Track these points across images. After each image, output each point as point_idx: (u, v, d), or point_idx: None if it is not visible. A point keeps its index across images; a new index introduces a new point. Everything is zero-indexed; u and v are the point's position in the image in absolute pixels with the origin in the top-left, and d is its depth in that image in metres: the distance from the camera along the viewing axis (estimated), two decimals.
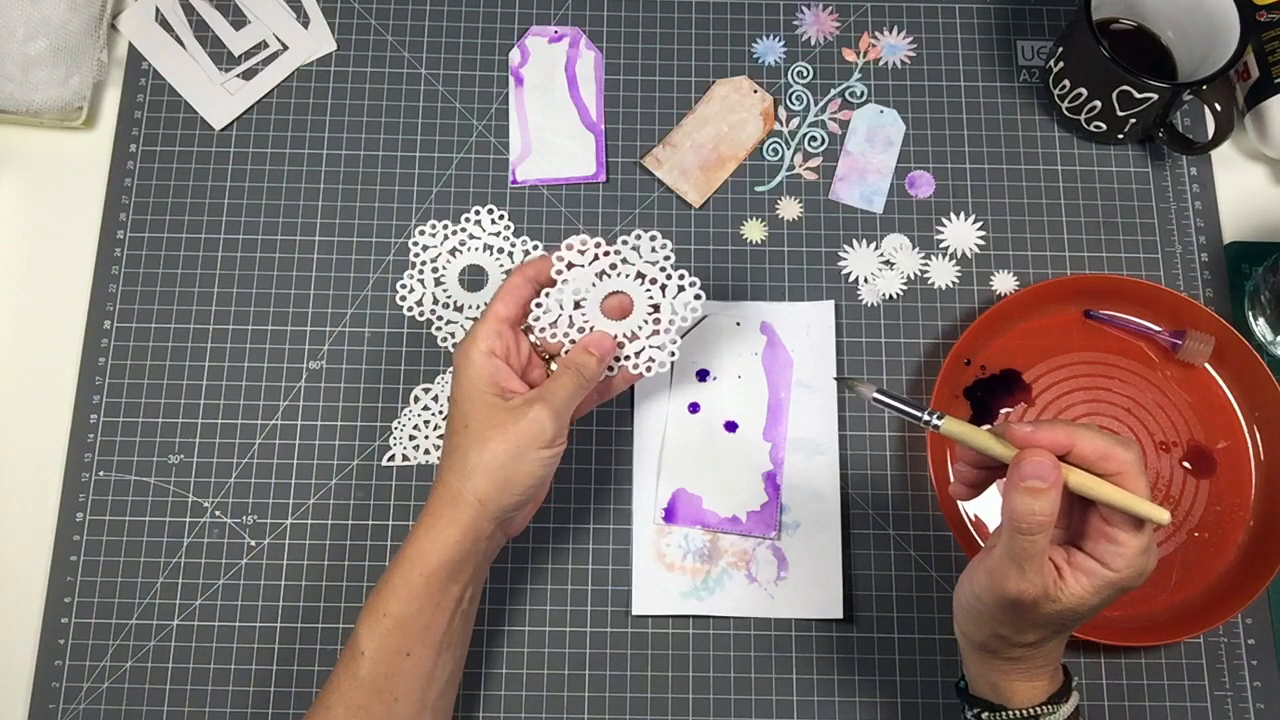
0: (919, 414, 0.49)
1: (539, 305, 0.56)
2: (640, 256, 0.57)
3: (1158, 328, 0.66)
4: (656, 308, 0.57)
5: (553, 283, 0.57)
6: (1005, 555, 0.45)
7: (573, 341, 0.56)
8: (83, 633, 0.62)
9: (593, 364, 0.55)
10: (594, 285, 0.57)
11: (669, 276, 0.57)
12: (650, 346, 0.57)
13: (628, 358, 0.57)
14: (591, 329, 0.56)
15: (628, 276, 0.57)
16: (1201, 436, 0.65)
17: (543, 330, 0.56)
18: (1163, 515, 0.44)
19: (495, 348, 0.54)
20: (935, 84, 0.73)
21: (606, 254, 0.57)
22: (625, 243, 0.57)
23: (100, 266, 0.68)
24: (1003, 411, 0.65)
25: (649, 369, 0.57)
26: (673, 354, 0.57)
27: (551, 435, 0.53)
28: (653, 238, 0.57)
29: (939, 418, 0.48)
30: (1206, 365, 0.66)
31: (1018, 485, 0.44)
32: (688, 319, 0.57)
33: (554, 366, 0.57)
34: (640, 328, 0.57)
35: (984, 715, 0.51)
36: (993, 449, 0.47)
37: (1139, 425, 0.65)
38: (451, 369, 0.55)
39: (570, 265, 0.57)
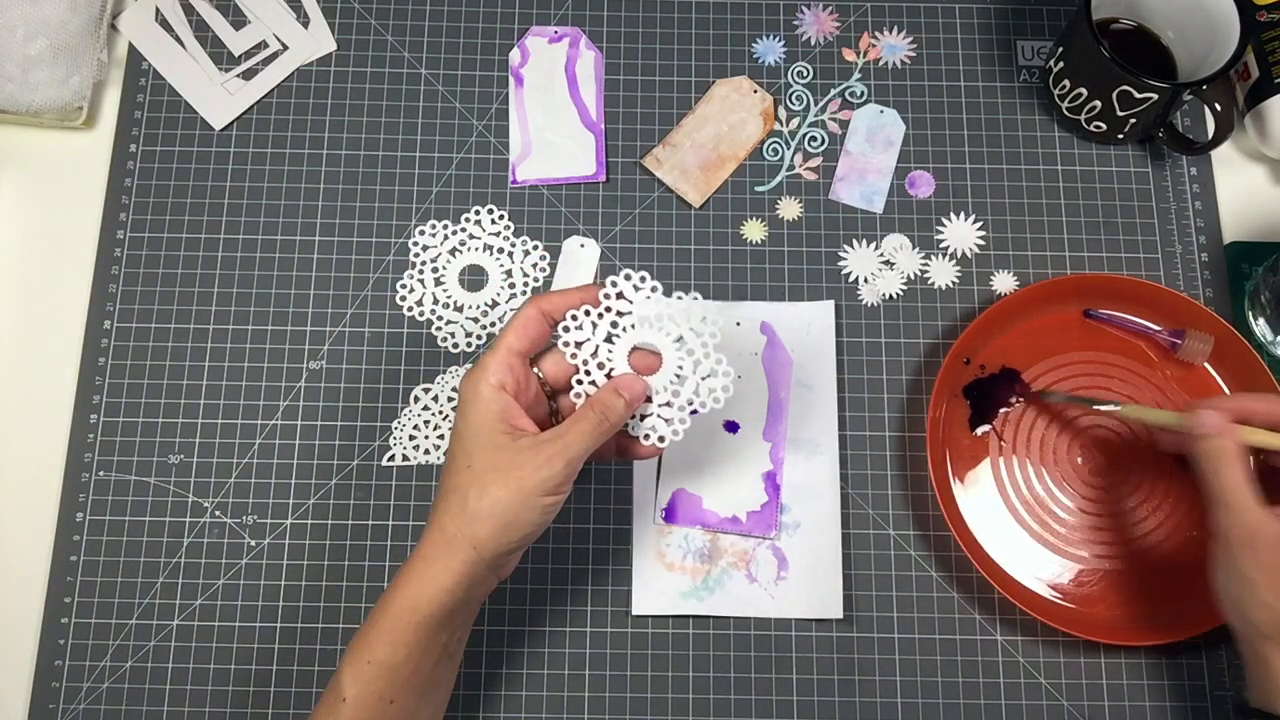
0: (1096, 405, 0.61)
1: (574, 318, 0.53)
2: (687, 322, 0.53)
3: (1157, 327, 0.66)
4: (677, 391, 0.53)
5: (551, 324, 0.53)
6: (1220, 511, 0.51)
7: (588, 373, 0.53)
8: (83, 633, 0.62)
9: (620, 408, 0.51)
10: (629, 329, 0.53)
11: (707, 355, 0.53)
12: (659, 416, 0.53)
13: (633, 418, 0.53)
14: (611, 372, 0.53)
15: (668, 335, 0.53)
16: None
17: (566, 345, 0.53)
18: None
19: (506, 382, 0.50)
20: (935, 84, 0.73)
21: (658, 303, 0.53)
22: (680, 298, 0.53)
23: (100, 266, 0.68)
24: (1001, 411, 0.65)
25: (661, 440, 0.53)
26: (676, 433, 0.53)
27: (559, 483, 0.49)
28: (703, 319, 0.53)
29: (1114, 406, 0.60)
30: (1206, 365, 0.66)
31: (1197, 436, 0.53)
32: (708, 406, 0.53)
33: (573, 401, 0.53)
34: (657, 393, 0.53)
35: None
36: (1167, 418, 0.56)
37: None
38: (457, 404, 0.52)
39: (620, 295, 0.53)
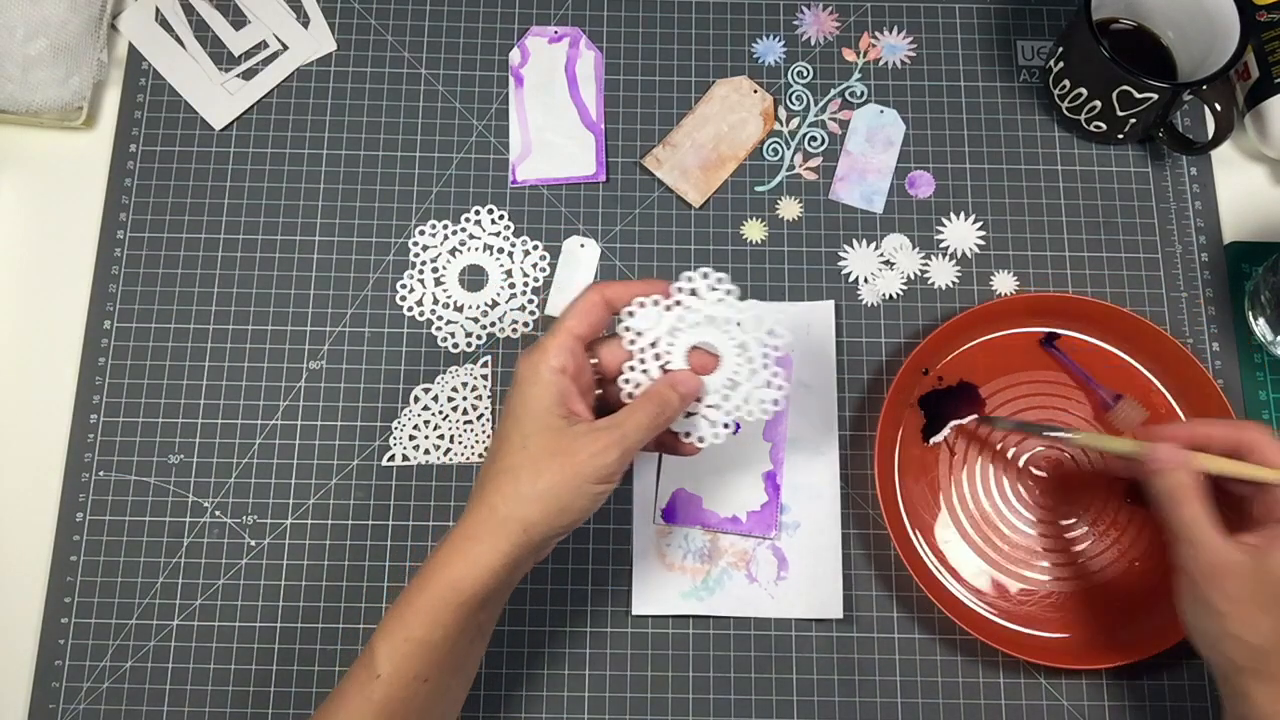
0: (1053, 434, 0.60)
1: (641, 305, 0.52)
2: (755, 331, 0.52)
3: (1099, 386, 0.65)
4: (728, 396, 0.53)
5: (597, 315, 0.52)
6: (1182, 545, 0.51)
7: (643, 363, 0.52)
8: (83, 633, 0.62)
9: (675, 402, 0.51)
10: (694, 326, 0.52)
11: (765, 366, 0.53)
12: (703, 417, 0.53)
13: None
14: (666, 365, 0.52)
15: (731, 339, 0.52)
16: None
17: (627, 331, 0.52)
18: (1273, 475, 0.51)
19: (566, 365, 0.49)
20: (935, 84, 0.73)
21: (730, 307, 0.53)
22: (747, 303, 0.53)
23: (100, 266, 0.68)
24: (952, 423, 0.65)
25: (700, 441, 0.53)
26: (717, 436, 0.53)
27: (614, 471, 0.49)
28: (770, 331, 0.52)
29: (1069, 434, 0.59)
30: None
31: (1153, 471, 0.52)
32: (754, 415, 0.53)
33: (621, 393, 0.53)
34: (708, 394, 0.53)
35: None
36: (1121, 445, 0.55)
37: (1092, 453, 0.65)
38: (513, 382, 0.51)
39: (693, 292, 0.52)
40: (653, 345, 0.52)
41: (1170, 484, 0.51)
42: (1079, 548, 0.64)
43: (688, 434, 0.53)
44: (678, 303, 0.52)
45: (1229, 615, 0.49)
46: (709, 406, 0.53)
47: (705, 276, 0.52)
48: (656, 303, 0.52)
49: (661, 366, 0.52)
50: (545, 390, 0.49)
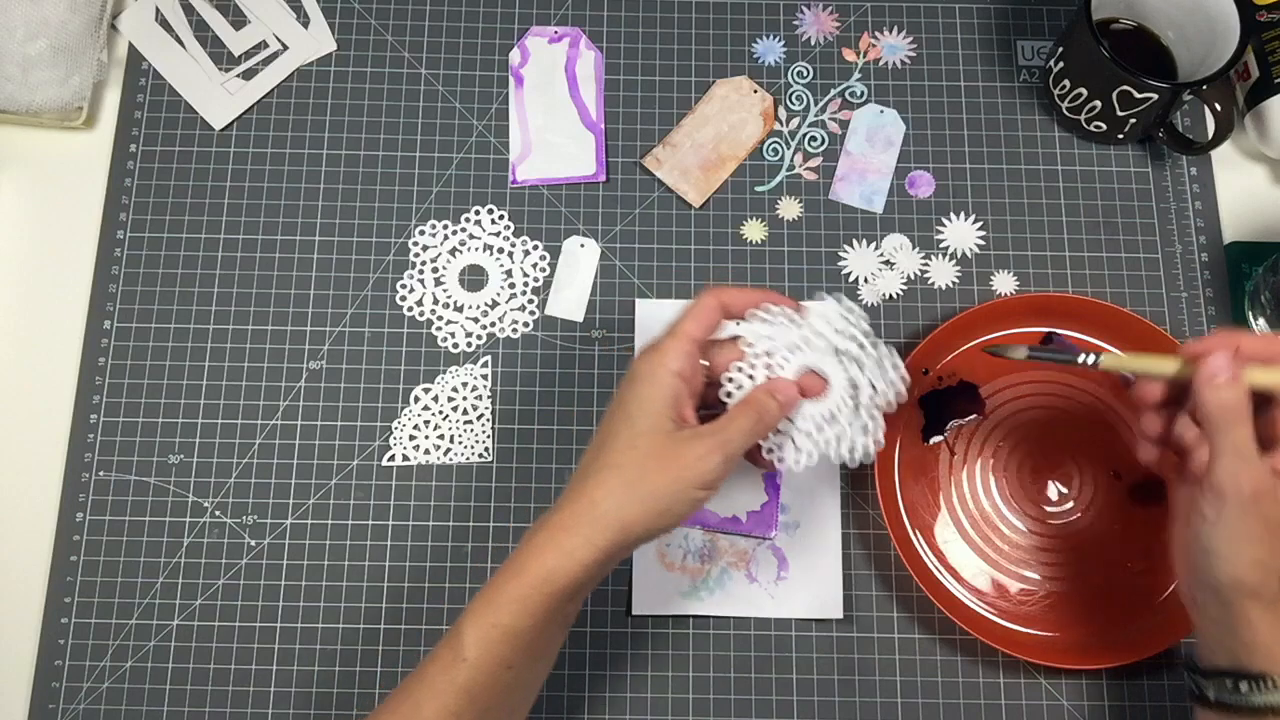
0: (1075, 359, 0.53)
1: (767, 314, 0.52)
2: (876, 372, 0.52)
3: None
4: (859, 402, 0.52)
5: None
6: (1229, 460, 0.48)
7: (751, 371, 0.52)
8: (83, 633, 0.62)
9: (774, 409, 0.51)
10: (816, 350, 0.52)
11: (872, 414, 0.52)
12: (792, 438, 0.53)
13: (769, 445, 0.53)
14: (774, 377, 0.52)
15: (846, 374, 0.52)
16: None
17: (745, 335, 0.52)
18: None
19: (684, 369, 0.50)
20: (935, 84, 0.73)
21: (860, 344, 0.52)
22: (876, 343, 0.52)
23: (100, 266, 0.68)
24: (953, 423, 0.65)
25: (781, 462, 0.53)
26: (798, 462, 0.52)
27: (717, 477, 0.49)
28: (895, 366, 0.52)
29: (1094, 358, 0.52)
30: None
31: (1208, 383, 0.48)
32: (841, 457, 0.52)
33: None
34: (805, 418, 0.53)
35: (1241, 686, 0.48)
36: (1163, 366, 0.51)
37: (1096, 451, 0.65)
38: (628, 379, 0.51)
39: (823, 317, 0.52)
40: (768, 355, 0.52)
41: (1226, 399, 0.48)
42: (1079, 547, 0.64)
43: (770, 450, 0.53)
44: (808, 322, 0.52)
45: (1258, 538, 0.48)
46: (803, 433, 0.53)
47: (840, 302, 0.52)
48: (788, 316, 0.52)
49: (768, 377, 0.52)
50: (661, 392, 0.49)
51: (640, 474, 0.48)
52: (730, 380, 0.52)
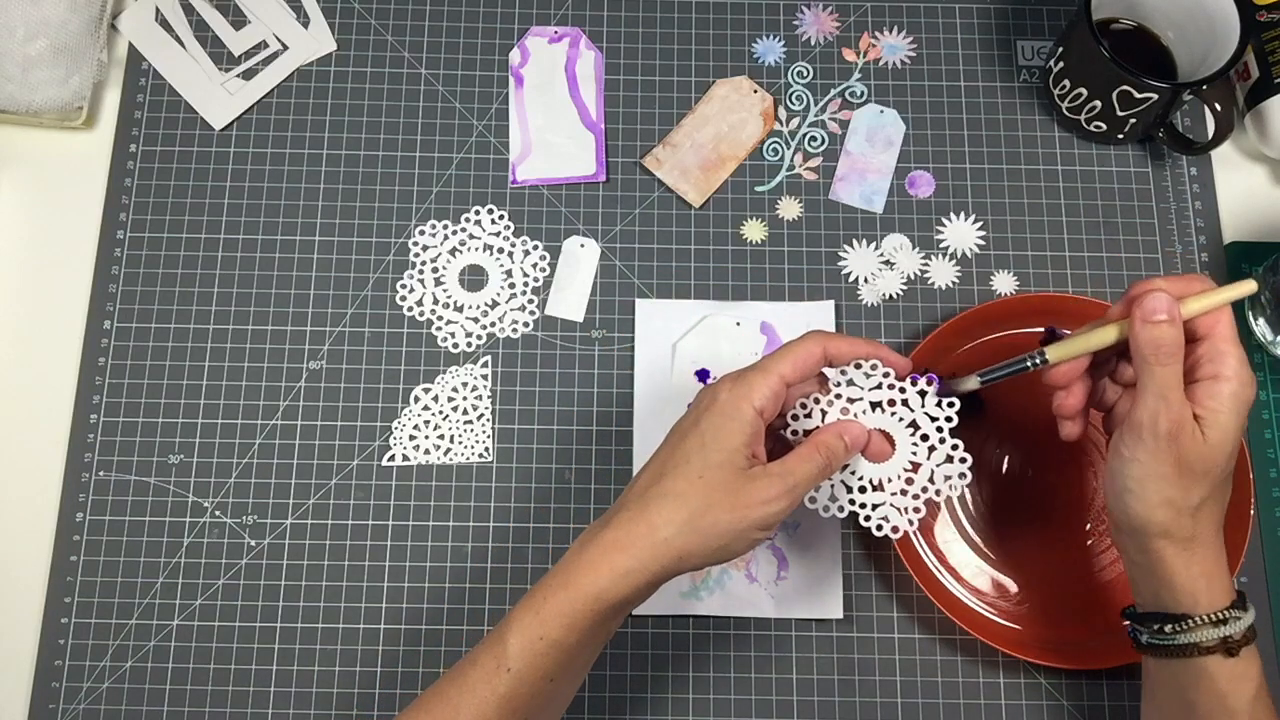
0: (1024, 364, 0.52)
1: (859, 367, 0.52)
2: (938, 460, 0.52)
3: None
4: (911, 479, 0.52)
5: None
6: (1151, 399, 0.48)
7: (830, 404, 0.52)
8: (83, 633, 0.62)
9: (841, 451, 0.51)
10: (895, 416, 0.52)
11: (943, 442, 0.52)
12: (890, 505, 0.52)
13: (862, 507, 0.53)
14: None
15: (915, 449, 0.52)
16: None
17: (832, 382, 0.52)
18: (1249, 285, 0.49)
19: (768, 409, 0.49)
20: (935, 84, 0.73)
21: (941, 432, 0.52)
22: (957, 445, 0.52)
23: (100, 266, 0.68)
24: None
25: (895, 531, 0.52)
26: (910, 521, 0.52)
27: (778, 519, 0.49)
28: (954, 447, 0.52)
29: (1043, 357, 0.52)
30: None
31: (1144, 322, 0.48)
32: (944, 493, 0.52)
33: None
34: (889, 480, 0.53)
35: (1166, 628, 0.49)
36: (1105, 336, 0.50)
37: (1096, 450, 0.65)
38: (706, 405, 0.50)
39: (902, 391, 0.52)
40: (851, 401, 0.52)
41: (1160, 336, 0.48)
42: (1080, 547, 0.64)
43: (879, 526, 0.52)
44: (896, 387, 0.52)
45: (1169, 477, 0.48)
46: (843, 484, 0.53)
47: (930, 382, 0.53)
48: (878, 370, 0.52)
49: (839, 418, 0.52)
50: (741, 428, 0.49)
51: (705, 507, 0.48)
52: (803, 407, 0.52)
